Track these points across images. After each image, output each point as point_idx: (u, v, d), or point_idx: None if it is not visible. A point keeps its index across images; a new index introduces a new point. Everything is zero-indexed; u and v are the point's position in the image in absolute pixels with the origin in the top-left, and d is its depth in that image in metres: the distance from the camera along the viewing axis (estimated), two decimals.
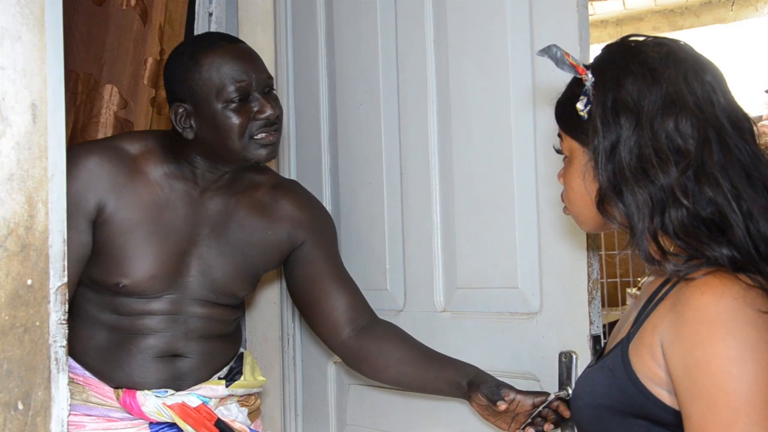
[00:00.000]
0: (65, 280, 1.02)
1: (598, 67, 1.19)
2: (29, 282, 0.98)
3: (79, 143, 1.78)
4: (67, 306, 1.03)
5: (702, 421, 1.03)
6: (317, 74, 2.30)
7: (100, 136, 2.30)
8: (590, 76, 1.16)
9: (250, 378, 1.89)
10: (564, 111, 1.24)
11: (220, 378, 1.84)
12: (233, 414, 1.85)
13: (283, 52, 2.40)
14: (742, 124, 1.14)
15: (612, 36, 5.30)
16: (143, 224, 1.71)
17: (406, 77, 2.06)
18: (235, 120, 1.64)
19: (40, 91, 1.00)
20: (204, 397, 1.80)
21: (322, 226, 1.94)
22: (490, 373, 1.72)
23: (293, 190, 1.94)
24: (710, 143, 1.10)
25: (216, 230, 1.79)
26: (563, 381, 1.67)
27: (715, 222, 1.10)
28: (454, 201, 1.94)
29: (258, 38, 2.43)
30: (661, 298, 1.12)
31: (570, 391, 1.62)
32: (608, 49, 1.21)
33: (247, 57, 1.69)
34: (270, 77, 1.72)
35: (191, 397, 1.78)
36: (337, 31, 2.25)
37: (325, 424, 2.26)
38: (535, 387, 1.75)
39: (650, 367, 1.11)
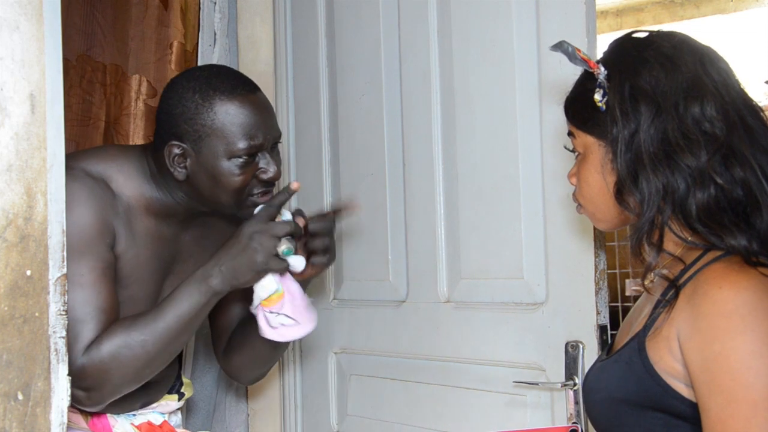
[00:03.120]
0: (65, 270, 1.02)
1: (610, 59, 1.19)
2: (28, 273, 0.97)
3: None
4: (66, 297, 1.02)
5: (721, 415, 1.02)
6: (317, 64, 2.29)
7: (132, 127, 2.28)
8: (602, 69, 1.17)
9: (188, 387, 1.88)
10: (576, 107, 1.24)
11: (169, 392, 1.82)
12: (174, 421, 1.84)
13: (282, 42, 2.39)
14: (757, 110, 1.15)
15: (612, 27, 5.29)
16: (148, 261, 1.61)
17: (408, 68, 2.05)
18: (237, 178, 1.53)
19: (39, 81, 1.00)
20: (162, 413, 1.78)
21: None
22: (495, 362, 1.71)
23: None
24: (737, 126, 1.11)
25: (194, 256, 1.70)
26: (570, 371, 1.68)
27: (741, 204, 1.10)
28: (458, 191, 1.93)
29: (257, 28, 2.42)
30: (678, 290, 1.12)
31: (577, 381, 1.63)
32: (617, 43, 1.23)
33: (264, 113, 1.56)
34: (280, 133, 1.61)
35: (155, 415, 1.76)
36: (337, 20, 2.23)
37: (325, 415, 2.26)
38: (541, 377, 1.75)
39: (667, 361, 1.10)
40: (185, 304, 1.51)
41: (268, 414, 2.38)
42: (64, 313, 1.01)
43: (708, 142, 1.10)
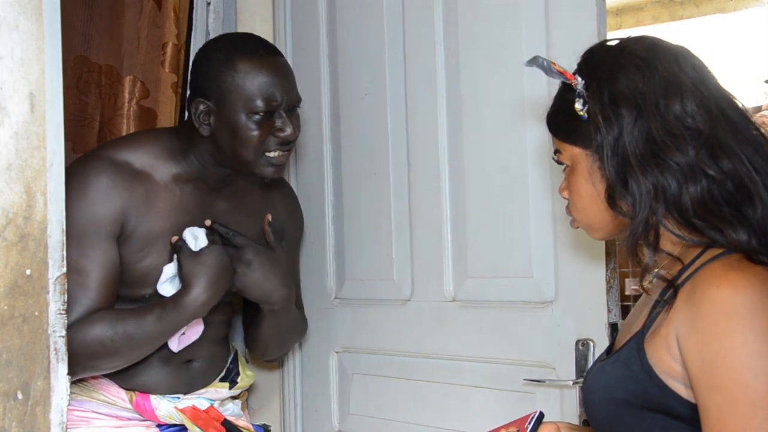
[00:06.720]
0: (64, 270, 1.02)
1: (586, 68, 1.21)
2: (28, 272, 0.97)
3: (81, 159, 1.75)
4: (66, 296, 1.02)
5: (720, 415, 1.02)
6: (318, 63, 2.28)
7: (125, 128, 2.31)
8: (580, 79, 1.18)
9: (245, 378, 1.93)
10: (558, 120, 1.25)
11: (221, 380, 1.88)
12: (230, 410, 1.89)
13: (282, 42, 2.38)
14: (735, 103, 1.16)
15: (611, 26, 5.27)
16: (164, 233, 1.70)
17: (413, 67, 2.03)
18: (255, 133, 1.65)
19: (38, 80, 1.00)
20: (210, 399, 1.83)
21: (299, 229, 2.04)
22: (503, 360, 1.72)
23: (288, 195, 2.02)
24: (719, 119, 1.12)
25: (227, 227, 1.80)
26: (581, 368, 1.67)
27: (733, 197, 1.10)
28: (464, 190, 1.92)
29: (256, 28, 2.42)
30: (676, 290, 1.11)
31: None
32: (590, 52, 1.24)
33: (283, 74, 1.69)
34: (299, 97, 1.73)
35: (201, 400, 1.81)
36: (339, 19, 2.22)
37: (327, 415, 2.25)
38: (550, 375, 1.74)
39: (666, 361, 1.09)
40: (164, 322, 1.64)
41: (268, 413, 2.37)
42: (63, 312, 1.01)
43: (693, 137, 1.11)
